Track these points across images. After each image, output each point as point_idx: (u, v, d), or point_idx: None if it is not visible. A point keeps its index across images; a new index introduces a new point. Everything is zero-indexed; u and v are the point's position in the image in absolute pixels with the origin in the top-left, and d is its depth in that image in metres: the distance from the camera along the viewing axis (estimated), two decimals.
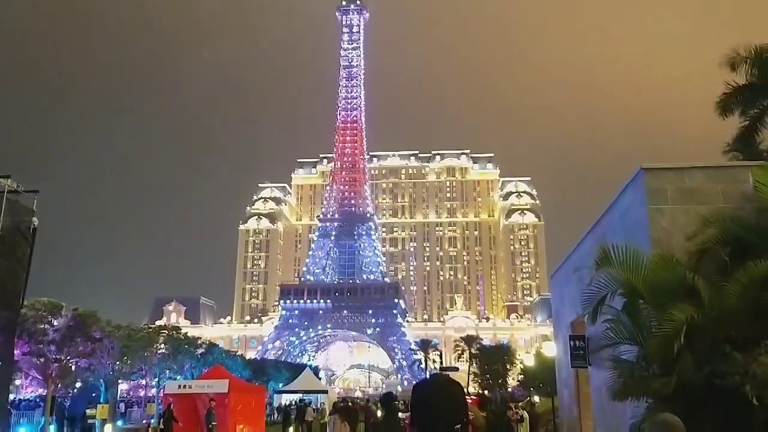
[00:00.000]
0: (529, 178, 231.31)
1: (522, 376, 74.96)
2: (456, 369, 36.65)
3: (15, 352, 23.67)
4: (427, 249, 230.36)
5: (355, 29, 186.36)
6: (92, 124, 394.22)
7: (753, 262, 8.70)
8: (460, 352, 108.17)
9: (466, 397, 11.63)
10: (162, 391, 37.98)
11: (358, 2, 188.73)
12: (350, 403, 35.61)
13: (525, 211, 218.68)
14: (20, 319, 24.29)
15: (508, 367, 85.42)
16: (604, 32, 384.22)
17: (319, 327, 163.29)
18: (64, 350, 34.03)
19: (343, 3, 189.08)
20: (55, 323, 33.85)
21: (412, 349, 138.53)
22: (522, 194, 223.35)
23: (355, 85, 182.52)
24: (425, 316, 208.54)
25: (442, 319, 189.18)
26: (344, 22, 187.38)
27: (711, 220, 10.03)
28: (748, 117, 19.76)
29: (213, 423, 26.42)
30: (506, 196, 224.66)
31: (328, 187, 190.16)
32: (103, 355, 38.40)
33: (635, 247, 9.82)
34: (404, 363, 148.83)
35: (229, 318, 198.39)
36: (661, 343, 8.64)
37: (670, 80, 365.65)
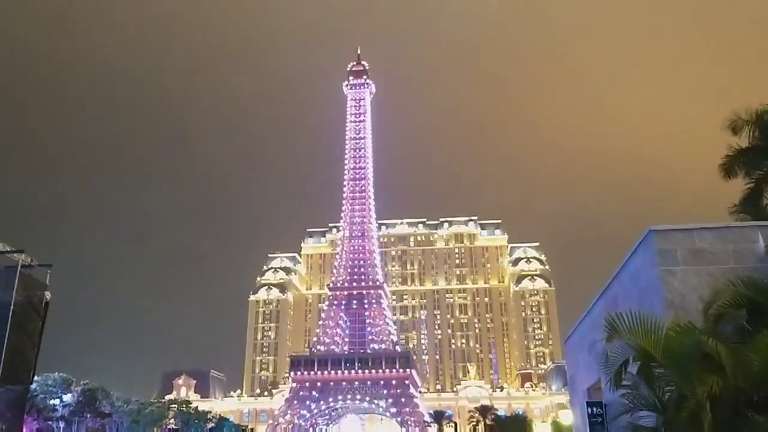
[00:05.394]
0: (537, 244, 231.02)
1: None
2: None
3: (24, 430, 23.37)
4: (438, 317, 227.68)
5: (361, 102, 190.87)
6: (102, 199, 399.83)
7: None
8: (474, 423, 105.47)
9: None
10: None
11: (364, 77, 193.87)
12: None
13: (535, 277, 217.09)
14: (30, 395, 24.13)
15: None
16: (610, 96, 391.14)
17: (330, 399, 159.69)
18: (73, 427, 33.56)
19: (350, 78, 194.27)
20: (65, 398, 33.55)
21: (426, 422, 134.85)
22: (531, 260, 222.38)
23: (362, 155, 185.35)
24: (438, 386, 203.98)
25: (455, 389, 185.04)
26: (351, 97, 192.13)
27: (723, 285, 9.95)
28: (753, 178, 19.85)
29: None
30: (515, 262, 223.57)
31: (337, 256, 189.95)
32: (112, 431, 37.80)
33: (648, 309, 9.75)
34: None
35: (239, 391, 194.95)
36: (687, 419, 8.41)
37: (674, 142, 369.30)
